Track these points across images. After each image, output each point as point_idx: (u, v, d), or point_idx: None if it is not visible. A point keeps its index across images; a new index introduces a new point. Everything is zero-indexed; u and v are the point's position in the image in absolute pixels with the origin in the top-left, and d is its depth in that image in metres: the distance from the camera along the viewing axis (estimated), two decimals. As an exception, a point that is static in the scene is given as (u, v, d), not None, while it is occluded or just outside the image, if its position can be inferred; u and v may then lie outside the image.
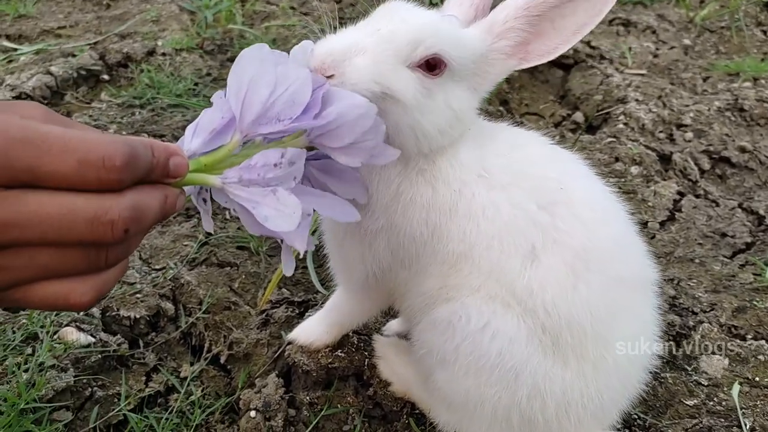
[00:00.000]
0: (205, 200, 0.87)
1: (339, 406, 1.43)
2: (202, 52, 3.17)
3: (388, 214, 1.11)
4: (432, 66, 1.03)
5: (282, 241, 0.85)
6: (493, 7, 1.14)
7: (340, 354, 1.49)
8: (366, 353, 1.50)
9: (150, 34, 3.33)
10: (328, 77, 0.92)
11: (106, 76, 3.01)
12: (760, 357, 1.53)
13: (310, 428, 1.41)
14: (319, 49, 0.95)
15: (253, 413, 1.42)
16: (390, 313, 1.63)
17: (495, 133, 1.20)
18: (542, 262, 1.08)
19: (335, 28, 1.07)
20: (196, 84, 2.85)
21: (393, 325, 1.59)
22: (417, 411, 1.41)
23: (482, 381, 1.10)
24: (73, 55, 3.08)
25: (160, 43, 3.21)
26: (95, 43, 3.27)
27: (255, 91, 0.80)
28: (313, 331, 1.48)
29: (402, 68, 1.00)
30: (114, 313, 1.66)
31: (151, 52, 3.13)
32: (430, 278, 1.15)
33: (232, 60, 3.21)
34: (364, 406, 1.43)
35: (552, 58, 1.10)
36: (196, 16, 3.50)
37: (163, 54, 3.09)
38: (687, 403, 1.44)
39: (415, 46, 1.01)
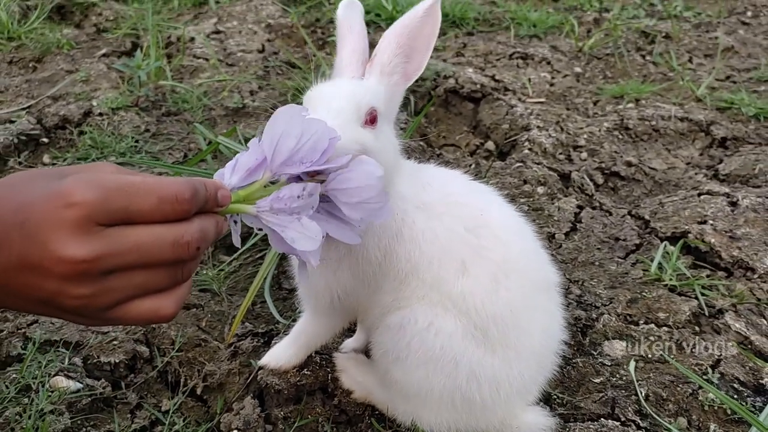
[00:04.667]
0: (235, 222, 1.08)
1: (309, 417, 1.67)
2: (137, 109, 3.34)
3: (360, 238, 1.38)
4: (372, 119, 1.31)
5: (298, 257, 1.09)
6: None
7: (306, 372, 1.73)
8: (328, 369, 1.75)
9: (83, 95, 3.48)
10: None
11: (45, 140, 3.14)
12: (651, 338, 1.87)
13: (286, 439, 1.64)
14: None
15: (235, 432, 1.64)
16: (345, 333, 1.88)
17: (425, 172, 1.50)
18: (471, 274, 1.38)
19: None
20: (136, 141, 3.03)
21: (349, 344, 1.84)
22: (377, 412, 1.66)
23: (430, 370, 1.39)
24: (11, 121, 3.19)
25: (95, 103, 3.36)
26: (29, 107, 3.39)
27: (285, 141, 1.02)
28: (282, 355, 1.71)
29: (359, 128, 1.28)
30: (95, 360, 1.83)
31: (88, 113, 3.27)
32: (385, 294, 1.43)
33: (167, 114, 3.44)
34: (332, 414, 1.67)
35: (422, 71, 1.40)
36: (125, 73, 3.67)
37: (100, 114, 3.25)
38: (594, 380, 1.75)
39: (359, 109, 1.28)
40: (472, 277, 1.37)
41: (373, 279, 1.41)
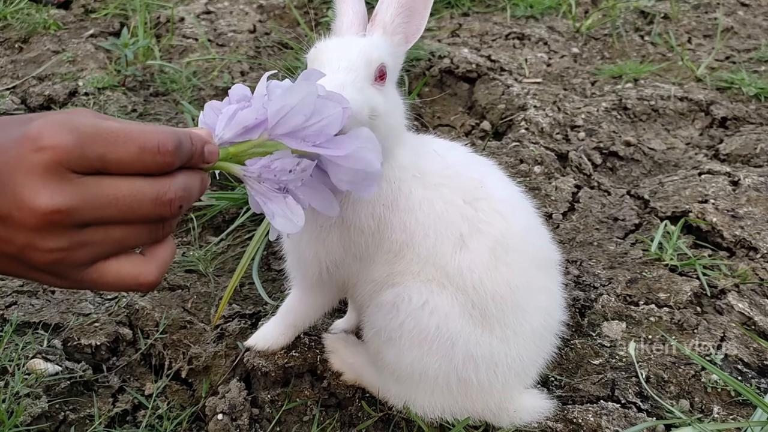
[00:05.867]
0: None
1: (298, 400, 1.60)
2: (124, 89, 3.26)
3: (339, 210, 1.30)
4: (381, 76, 1.25)
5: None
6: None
7: (294, 354, 1.66)
8: (317, 351, 1.68)
9: (69, 75, 3.39)
10: None
11: (29, 120, 3.06)
12: (651, 318, 1.81)
13: (273, 423, 1.57)
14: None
15: (220, 416, 1.57)
16: (335, 314, 1.82)
17: (424, 142, 1.43)
18: (469, 248, 1.31)
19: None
20: (123, 121, 2.95)
21: (339, 324, 1.77)
22: (368, 395, 1.60)
23: (424, 351, 1.32)
24: (-6, 101, 3.11)
25: (81, 83, 3.27)
26: (14, 87, 3.30)
27: (293, 117, 0.94)
28: (269, 335, 1.64)
29: (370, 87, 1.21)
30: (75, 343, 1.76)
31: (74, 93, 3.19)
32: (377, 267, 1.36)
33: (155, 95, 3.35)
34: (321, 397, 1.61)
35: (420, 34, 1.35)
36: (113, 54, 3.58)
37: (86, 94, 3.16)
38: (593, 362, 1.69)
39: (370, 65, 1.22)
40: (471, 252, 1.30)
41: (365, 251, 1.34)
